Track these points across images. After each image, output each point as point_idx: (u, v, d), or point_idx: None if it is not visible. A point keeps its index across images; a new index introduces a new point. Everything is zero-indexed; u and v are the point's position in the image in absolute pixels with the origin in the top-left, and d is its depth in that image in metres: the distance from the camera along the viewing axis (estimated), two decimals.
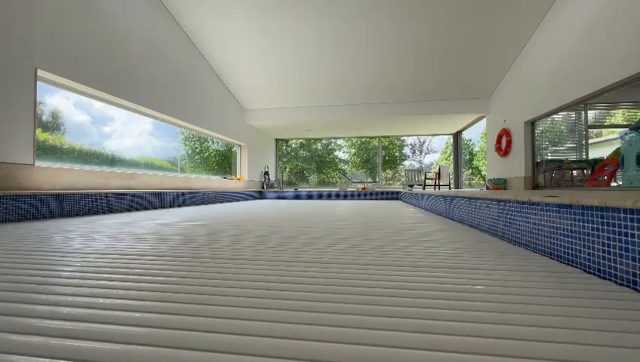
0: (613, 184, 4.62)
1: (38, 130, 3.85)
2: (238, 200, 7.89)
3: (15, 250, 1.54)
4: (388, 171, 12.33)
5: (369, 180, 11.81)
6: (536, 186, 5.93)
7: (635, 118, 5.12)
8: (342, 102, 8.39)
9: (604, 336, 0.65)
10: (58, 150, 4.26)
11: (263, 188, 10.02)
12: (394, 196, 8.80)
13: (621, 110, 5.38)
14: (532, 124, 6.01)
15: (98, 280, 1.04)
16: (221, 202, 6.95)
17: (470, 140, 11.36)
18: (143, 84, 5.13)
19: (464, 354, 0.59)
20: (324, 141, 12.50)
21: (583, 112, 5.30)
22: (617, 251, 1.03)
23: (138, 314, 0.76)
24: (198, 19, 5.87)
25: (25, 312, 0.77)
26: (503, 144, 6.80)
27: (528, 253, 1.48)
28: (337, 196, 9.26)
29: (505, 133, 6.68)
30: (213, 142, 8.50)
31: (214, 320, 0.73)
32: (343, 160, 12.68)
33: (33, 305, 0.81)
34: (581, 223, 1.21)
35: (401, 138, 12.12)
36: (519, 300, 0.86)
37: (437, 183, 8.22)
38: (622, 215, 1.02)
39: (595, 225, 1.14)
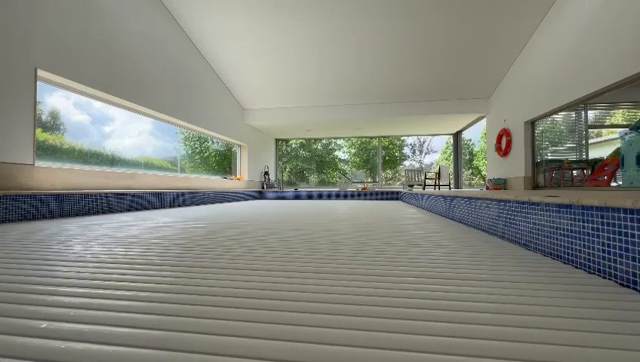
0: (613, 184, 4.62)
1: (38, 130, 3.85)
2: (238, 200, 7.88)
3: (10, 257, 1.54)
4: (388, 171, 12.33)
5: (369, 180, 11.80)
6: (536, 186, 5.93)
7: (635, 118, 5.12)
8: (342, 102, 8.40)
9: (604, 338, 0.65)
10: (58, 150, 4.25)
11: (263, 188, 10.02)
12: (394, 196, 8.80)
13: (621, 110, 5.38)
14: (532, 124, 6.01)
15: (92, 297, 1.03)
16: (221, 202, 6.95)
17: (470, 140, 11.36)
18: (143, 84, 5.13)
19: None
20: (324, 141, 12.50)
21: (583, 112, 5.30)
22: (617, 251, 1.03)
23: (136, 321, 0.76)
24: (198, 19, 5.87)
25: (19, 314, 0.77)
26: (503, 144, 6.80)
27: (530, 254, 1.48)
28: (337, 196, 9.26)
29: (505, 133, 6.68)
30: (213, 142, 8.50)
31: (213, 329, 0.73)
32: (343, 160, 12.68)
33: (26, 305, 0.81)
34: (581, 223, 1.21)
35: (401, 138, 12.12)
36: (521, 297, 0.86)
37: (437, 183, 8.21)
38: (622, 215, 1.02)
39: (595, 225, 1.14)
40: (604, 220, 1.09)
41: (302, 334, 0.66)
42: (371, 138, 11.75)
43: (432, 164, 12.42)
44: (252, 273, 1.14)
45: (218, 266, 1.24)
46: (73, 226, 2.51)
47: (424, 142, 12.44)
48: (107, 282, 1.04)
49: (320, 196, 9.37)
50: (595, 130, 5.44)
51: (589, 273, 1.14)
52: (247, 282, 1.03)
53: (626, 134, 4.24)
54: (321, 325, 0.71)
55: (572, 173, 5.37)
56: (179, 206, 5.42)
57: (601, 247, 1.11)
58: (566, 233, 1.30)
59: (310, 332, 0.67)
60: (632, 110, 5.26)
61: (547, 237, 1.43)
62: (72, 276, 1.10)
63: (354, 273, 1.14)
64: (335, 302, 0.85)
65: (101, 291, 0.94)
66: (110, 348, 0.60)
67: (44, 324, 0.71)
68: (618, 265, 1.02)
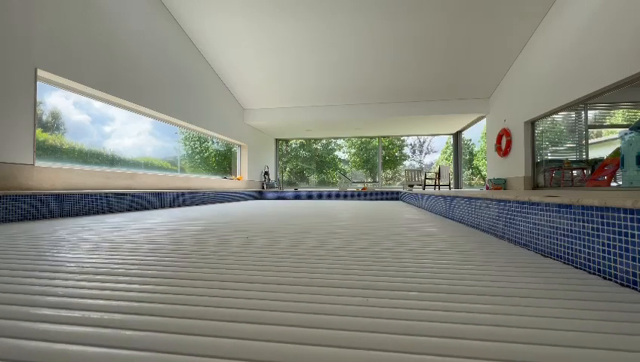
0: (613, 184, 4.62)
1: (38, 130, 3.85)
2: (238, 200, 7.88)
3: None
4: (388, 171, 12.33)
5: (369, 180, 11.80)
6: (536, 186, 5.93)
7: (635, 118, 5.12)
8: (341, 102, 8.39)
9: (605, 337, 0.65)
10: (58, 150, 4.25)
11: (263, 188, 10.02)
12: (394, 196, 8.80)
13: (621, 110, 5.38)
14: (532, 124, 6.01)
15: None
16: (221, 202, 6.95)
17: (470, 140, 11.36)
18: (143, 84, 5.13)
19: None
20: (324, 141, 12.50)
21: (583, 112, 5.30)
22: (617, 251, 1.03)
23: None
24: (198, 19, 5.87)
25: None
26: (503, 144, 6.79)
27: (529, 253, 1.48)
28: (337, 196, 9.26)
29: (505, 133, 6.68)
30: (212, 142, 8.50)
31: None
32: (343, 160, 12.68)
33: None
34: (581, 223, 1.21)
35: (401, 138, 12.12)
36: (518, 293, 0.86)
37: (437, 183, 8.21)
38: (622, 215, 1.02)
39: (595, 225, 1.14)
40: (604, 220, 1.09)
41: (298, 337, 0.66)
42: (371, 138, 11.75)
43: (432, 164, 12.43)
44: (250, 285, 1.12)
45: (214, 270, 1.24)
46: (70, 226, 2.51)
47: (424, 142, 12.45)
48: (100, 291, 1.04)
49: (320, 196, 9.37)
50: (595, 130, 5.44)
51: (590, 273, 1.14)
52: (240, 291, 1.03)
53: (626, 134, 4.24)
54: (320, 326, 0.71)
55: (572, 173, 5.37)
56: (179, 206, 5.42)
57: (601, 247, 1.11)
58: (566, 233, 1.30)
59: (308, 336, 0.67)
60: (632, 110, 5.26)
61: (547, 238, 1.43)
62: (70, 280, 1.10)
63: (354, 287, 1.04)
64: (332, 325, 0.84)
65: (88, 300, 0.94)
66: (101, 350, 0.60)
67: (35, 325, 0.70)
68: (618, 265, 1.02)
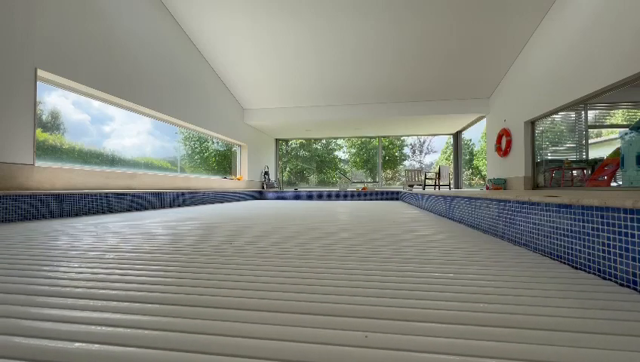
0: (613, 184, 4.62)
1: (38, 130, 3.84)
2: (238, 200, 7.88)
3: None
4: (388, 171, 12.33)
5: (369, 180, 11.80)
6: (536, 186, 5.93)
7: (635, 118, 5.12)
8: (341, 102, 8.39)
9: (605, 338, 0.65)
10: (58, 150, 4.25)
11: (263, 188, 10.01)
12: (394, 196, 8.80)
13: (621, 110, 5.38)
14: (532, 124, 6.01)
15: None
16: (221, 202, 6.95)
17: (470, 140, 11.36)
18: (143, 84, 5.13)
19: None
20: (323, 141, 12.50)
21: (583, 112, 5.30)
22: (617, 251, 1.03)
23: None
24: (198, 19, 5.87)
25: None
26: (503, 144, 6.79)
27: (529, 253, 1.48)
28: (337, 196, 9.26)
29: (505, 133, 6.67)
30: (213, 142, 8.50)
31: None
32: (343, 160, 12.68)
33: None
34: (581, 223, 1.21)
35: (401, 138, 12.12)
36: (518, 297, 0.86)
37: (437, 183, 8.21)
38: (622, 215, 1.02)
39: (595, 225, 1.14)
40: (604, 220, 1.09)
41: (300, 335, 0.66)
42: (371, 138, 11.75)
43: (432, 164, 12.42)
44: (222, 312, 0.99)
45: (213, 267, 1.24)
46: (68, 226, 2.51)
47: (424, 142, 12.45)
48: (103, 285, 1.04)
49: (320, 196, 9.37)
50: (595, 130, 5.44)
51: (589, 273, 1.14)
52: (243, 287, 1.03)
53: (626, 134, 4.24)
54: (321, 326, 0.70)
55: (572, 173, 5.37)
56: (179, 206, 5.42)
57: (601, 247, 1.11)
58: (566, 233, 1.30)
59: (308, 334, 0.67)
60: (632, 110, 5.26)
61: (547, 238, 1.43)
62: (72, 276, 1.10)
63: (354, 315, 0.94)
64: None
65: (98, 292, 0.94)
66: (109, 347, 0.60)
67: (42, 324, 0.70)
68: (618, 265, 1.02)
